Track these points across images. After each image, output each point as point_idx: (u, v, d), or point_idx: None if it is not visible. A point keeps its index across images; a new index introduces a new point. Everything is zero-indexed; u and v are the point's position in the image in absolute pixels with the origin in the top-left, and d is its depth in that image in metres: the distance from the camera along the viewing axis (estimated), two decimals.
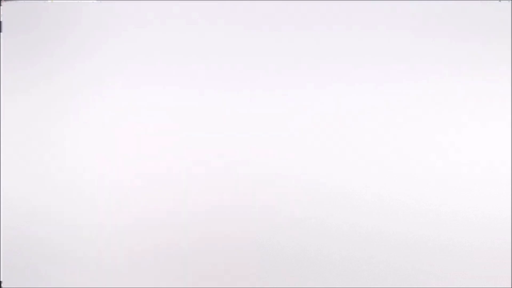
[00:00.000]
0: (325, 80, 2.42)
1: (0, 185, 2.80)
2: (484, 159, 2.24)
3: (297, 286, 2.42)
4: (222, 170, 2.51)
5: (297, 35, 2.46)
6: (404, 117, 2.33)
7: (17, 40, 2.83)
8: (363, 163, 2.36)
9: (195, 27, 2.60)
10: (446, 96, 2.29)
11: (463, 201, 2.25)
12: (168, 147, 2.60)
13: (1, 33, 2.85)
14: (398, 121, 2.33)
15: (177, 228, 2.56)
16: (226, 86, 2.54)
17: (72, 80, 2.74)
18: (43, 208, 2.73)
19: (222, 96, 2.54)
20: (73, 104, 2.73)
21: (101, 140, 2.68)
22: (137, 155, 2.63)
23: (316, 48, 2.44)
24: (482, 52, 2.26)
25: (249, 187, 2.48)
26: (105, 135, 2.67)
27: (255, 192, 2.47)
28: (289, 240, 2.43)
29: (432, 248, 2.27)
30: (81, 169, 2.69)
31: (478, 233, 2.23)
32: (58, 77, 2.76)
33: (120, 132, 2.66)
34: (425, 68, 2.31)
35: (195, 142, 2.56)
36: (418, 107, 2.31)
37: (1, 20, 2.85)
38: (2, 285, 2.77)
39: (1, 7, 2.86)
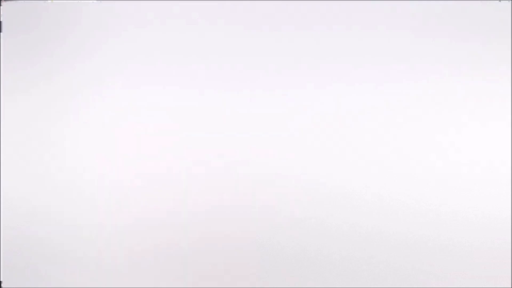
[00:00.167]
0: (325, 80, 2.42)
1: (0, 185, 2.80)
2: (484, 159, 2.24)
3: (297, 286, 2.42)
4: (222, 170, 2.51)
5: (297, 35, 2.46)
6: (404, 117, 2.33)
7: (17, 40, 2.83)
8: (363, 163, 2.36)
9: (195, 27, 2.60)
10: (446, 96, 2.29)
11: (463, 201, 2.25)
12: (168, 147, 2.60)
13: (1, 33, 2.85)
14: (398, 121, 2.33)
15: (177, 228, 2.56)
16: (226, 86, 2.54)
17: (72, 80, 2.74)
18: (43, 208, 2.73)
19: (222, 96, 2.54)
20: (73, 104, 2.73)
21: (101, 140, 2.68)
22: (137, 155, 2.63)
23: (316, 48, 2.44)
24: (482, 52, 2.26)
25: (249, 187, 2.48)
26: (105, 135, 2.67)
27: (255, 192, 2.47)
28: (289, 240, 2.43)
29: (432, 248, 2.27)
30: (81, 169, 2.69)
31: (478, 233, 2.23)
32: (58, 77, 2.76)
33: (120, 132, 2.66)
34: (425, 68, 2.31)
35: (195, 142, 2.56)
36: (418, 107, 2.31)
37: (1, 20, 2.85)
38: (2, 285, 2.77)
39: (1, 7, 2.86)
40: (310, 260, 2.41)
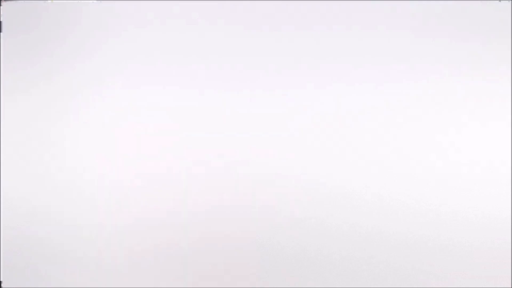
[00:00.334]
0: (325, 80, 2.42)
1: (0, 185, 2.80)
2: (484, 159, 2.24)
3: (297, 286, 2.42)
4: (222, 170, 2.51)
5: (297, 35, 2.46)
6: (404, 117, 2.33)
7: (17, 40, 2.83)
8: (363, 163, 2.36)
9: (195, 27, 2.60)
10: (446, 96, 2.29)
11: (463, 201, 2.25)
12: (168, 147, 2.60)
13: (1, 33, 2.85)
14: (398, 121, 2.33)
15: (177, 228, 2.56)
16: (226, 86, 2.54)
17: (72, 80, 2.74)
18: (43, 208, 2.73)
19: (222, 96, 2.54)
20: (73, 104, 2.73)
21: (101, 140, 2.68)
22: (137, 155, 2.63)
23: (316, 48, 2.44)
24: (482, 52, 2.26)
25: (249, 187, 2.48)
26: (105, 135, 2.67)
27: (255, 192, 2.47)
28: (289, 240, 2.43)
29: (432, 248, 2.27)
30: (81, 169, 2.69)
31: (478, 233, 2.23)
32: (58, 77, 2.76)
33: (120, 132, 2.66)
34: (425, 68, 2.31)
35: (195, 142, 2.56)
36: (418, 107, 2.31)
37: (1, 20, 2.85)
38: (2, 285, 2.77)
39: (1, 7, 2.86)
40: (310, 260, 2.41)
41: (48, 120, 2.76)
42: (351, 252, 2.36)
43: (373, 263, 2.33)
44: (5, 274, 2.77)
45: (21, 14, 2.83)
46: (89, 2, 2.75)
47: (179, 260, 2.56)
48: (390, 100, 2.35)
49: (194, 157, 2.56)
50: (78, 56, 2.73)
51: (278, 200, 2.45)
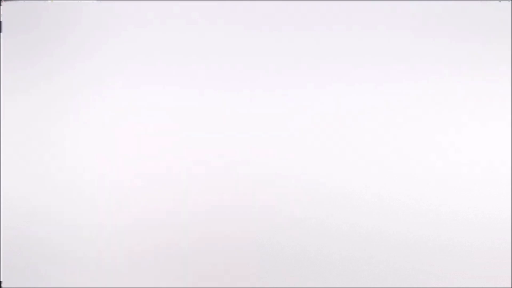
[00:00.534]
0: (325, 80, 2.42)
1: (0, 185, 2.80)
2: (484, 159, 2.24)
3: (297, 286, 2.42)
4: (222, 170, 2.51)
5: (297, 35, 2.46)
6: (404, 117, 2.33)
7: (17, 40, 2.83)
8: (363, 163, 2.36)
9: (195, 27, 2.60)
10: (446, 96, 2.29)
11: (463, 201, 2.25)
12: (168, 147, 2.60)
13: (1, 33, 2.85)
14: (398, 121, 2.33)
15: (177, 228, 2.56)
16: (226, 86, 2.54)
17: (72, 80, 2.74)
18: (43, 208, 2.73)
19: (222, 96, 2.54)
20: (73, 104, 2.73)
21: (101, 140, 2.68)
22: (137, 155, 2.63)
23: (316, 48, 2.44)
24: (482, 52, 2.26)
25: (249, 187, 2.48)
26: (105, 135, 2.67)
27: (255, 192, 2.47)
28: (289, 240, 2.43)
29: (432, 248, 2.27)
30: (81, 169, 2.69)
31: (478, 233, 2.23)
32: (58, 77, 2.76)
33: (120, 132, 2.66)
34: (425, 68, 2.31)
35: (195, 142, 2.56)
36: (418, 107, 2.31)
37: (1, 20, 2.85)
38: (2, 285, 2.77)
39: (1, 7, 2.86)
40: (310, 260, 2.41)
41: (48, 120, 2.76)
42: (351, 252, 2.36)
43: (373, 263, 2.33)
44: (5, 274, 2.77)
45: (21, 14, 2.83)
46: (89, 2, 2.75)
47: (179, 260, 2.56)
48: (390, 100, 2.35)
49: (194, 157, 2.56)
50: (78, 56, 2.73)
51: (278, 200, 2.45)
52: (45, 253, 2.72)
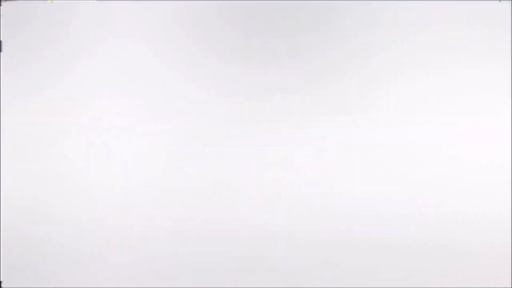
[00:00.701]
0: (325, 80, 2.42)
1: (0, 185, 2.80)
2: (484, 159, 2.23)
3: (297, 286, 2.42)
4: (223, 175, 2.52)
5: (297, 35, 2.46)
6: (405, 117, 2.32)
7: (17, 40, 2.82)
8: (363, 162, 2.36)
9: (195, 27, 2.59)
10: (446, 97, 2.29)
11: (463, 201, 2.25)
12: (168, 147, 2.59)
13: (1, 33, 2.85)
14: (398, 121, 2.33)
15: (178, 228, 2.56)
16: (226, 86, 2.54)
17: (72, 80, 2.73)
18: (43, 208, 2.73)
19: (223, 96, 2.54)
20: (73, 104, 2.73)
21: (102, 140, 2.68)
22: (137, 155, 2.63)
23: (316, 48, 2.44)
24: (482, 52, 2.26)
25: (249, 192, 2.48)
26: (105, 135, 2.67)
27: (258, 194, 2.48)
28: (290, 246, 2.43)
29: (432, 248, 2.27)
30: (81, 169, 2.69)
31: (478, 233, 2.22)
32: (58, 76, 2.76)
33: (121, 132, 2.66)
34: (425, 68, 2.31)
35: (195, 142, 2.56)
36: (419, 107, 2.31)
37: (1, 20, 2.85)
38: (2, 285, 2.77)
39: (1, 7, 2.86)
40: (308, 261, 2.41)
41: (48, 120, 2.76)
42: (351, 252, 2.36)
43: (373, 263, 2.33)
44: (5, 274, 2.77)
45: (21, 14, 2.83)
46: (89, 2, 2.75)
47: (179, 260, 2.56)
48: (391, 100, 2.34)
49: (194, 157, 2.56)
50: (78, 56, 2.73)
51: (278, 205, 2.45)
52: (45, 253, 2.72)
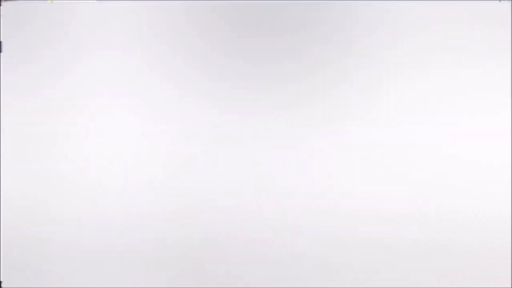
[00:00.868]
0: (325, 80, 2.42)
1: (0, 185, 2.80)
2: (484, 159, 2.23)
3: (297, 286, 2.42)
4: (225, 173, 2.52)
5: (298, 36, 2.46)
6: (405, 117, 2.32)
7: (17, 40, 2.83)
8: (363, 163, 2.36)
9: (195, 27, 2.59)
10: (446, 97, 2.29)
11: (463, 201, 2.25)
12: (168, 147, 2.59)
13: (1, 33, 2.85)
14: (398, 121, 2.33)
15: (178, 228, 2.56)
16: (226, 86, 2.54)
17: (71, 81, 2.74)
18: (43, 208, 2.73)
19: (224, 96, 2.55)
20: (73, 104, 2.73)
21: (101, 140, 2.68)
22: (137, 155, 2.63)
23: (316, 47, 2.44)
24: (482, 52, 2.26)
25: (252, 190, 2.48)
26: (105, 135, 2.67)
27: (257, 194, 2.48)
28: (289, 243, 2.43)
29: (432, 248, 2.27)
30: (81, 169, 2.69)
31: (478, 233, 2.22)
32: (58, 76, 2.76)
33: (121, 132, 2.66)
34: (425, 68, 2.31)
35: (195, 142, 2.56)
36: (419, 107, 2.31)
37: (1, 20, 2.85)
38: (2, 285, 2.77)
39: (1, 7, 2.86)
40: (310, 261, 2.41)
41: (48, 120, 2.76)
42: (352, 252, 2.36)
43: (373, 263, 2.33)
44: (5, 274, 2.77)
45: (21, 14, 2.83)
46: (89, 2, 2.75)
47: (179, 260, 2.56)
48: (391, 100, 2.34)
49: (194, 157, 2.56)
50: (78, 56, 2.73)
51: (279, 205, 2.45)
52: (45, 253, 2.72)
